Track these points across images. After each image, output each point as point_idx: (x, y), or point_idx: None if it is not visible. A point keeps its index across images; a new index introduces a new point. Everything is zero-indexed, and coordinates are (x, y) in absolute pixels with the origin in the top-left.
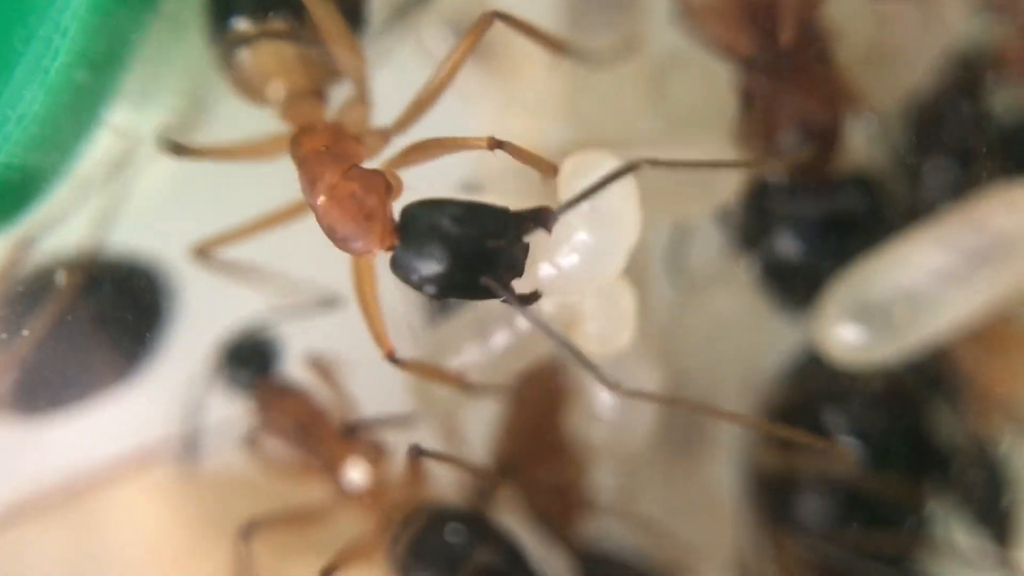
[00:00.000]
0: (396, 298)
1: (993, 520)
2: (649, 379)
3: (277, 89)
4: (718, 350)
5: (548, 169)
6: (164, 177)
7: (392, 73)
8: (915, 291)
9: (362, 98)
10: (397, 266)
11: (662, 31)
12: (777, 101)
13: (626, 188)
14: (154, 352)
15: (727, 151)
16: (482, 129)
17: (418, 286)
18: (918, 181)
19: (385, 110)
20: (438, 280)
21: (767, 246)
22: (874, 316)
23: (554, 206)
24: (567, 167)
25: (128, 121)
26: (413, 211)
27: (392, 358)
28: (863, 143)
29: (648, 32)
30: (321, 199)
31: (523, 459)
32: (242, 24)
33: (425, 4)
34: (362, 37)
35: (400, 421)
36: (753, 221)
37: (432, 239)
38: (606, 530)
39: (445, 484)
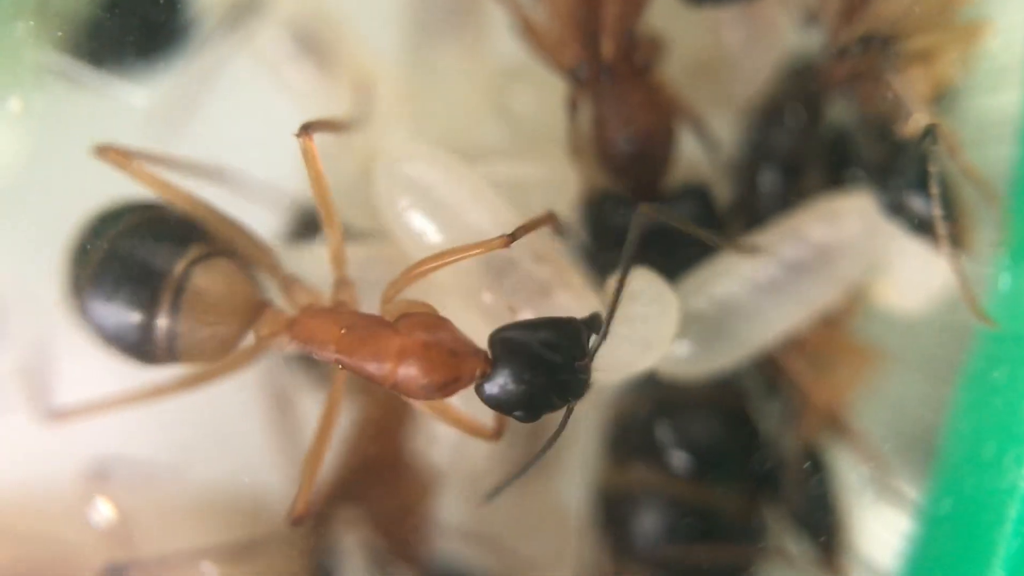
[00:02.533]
0: None
1: (819, 527)
2: None
3: (236, 311)
4: None
5: None
6: None
7: (229, 83)
8: (737, 303)
9: (290, 278)
10: (492, 396)
11: (507, 40)
12: (602, 112)
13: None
14: None
15: (566, 164)
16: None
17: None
18: (751, 192)
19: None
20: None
21: (605, 257)
22: (697, 328)
23: None
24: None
25: None
26: (502, 339)
27: None
28: (697, 154)
29: (491, 41)
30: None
31: (365, 480)
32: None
33: (257, 11)
34: (184, 51)
35: None
36: (592, 232)
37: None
38: (452, 550)
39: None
